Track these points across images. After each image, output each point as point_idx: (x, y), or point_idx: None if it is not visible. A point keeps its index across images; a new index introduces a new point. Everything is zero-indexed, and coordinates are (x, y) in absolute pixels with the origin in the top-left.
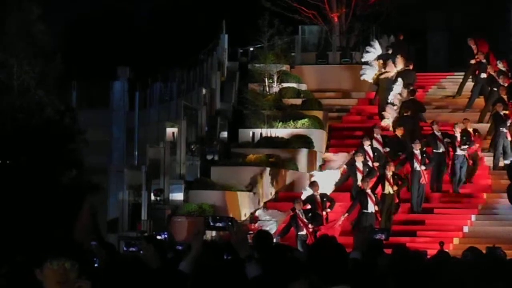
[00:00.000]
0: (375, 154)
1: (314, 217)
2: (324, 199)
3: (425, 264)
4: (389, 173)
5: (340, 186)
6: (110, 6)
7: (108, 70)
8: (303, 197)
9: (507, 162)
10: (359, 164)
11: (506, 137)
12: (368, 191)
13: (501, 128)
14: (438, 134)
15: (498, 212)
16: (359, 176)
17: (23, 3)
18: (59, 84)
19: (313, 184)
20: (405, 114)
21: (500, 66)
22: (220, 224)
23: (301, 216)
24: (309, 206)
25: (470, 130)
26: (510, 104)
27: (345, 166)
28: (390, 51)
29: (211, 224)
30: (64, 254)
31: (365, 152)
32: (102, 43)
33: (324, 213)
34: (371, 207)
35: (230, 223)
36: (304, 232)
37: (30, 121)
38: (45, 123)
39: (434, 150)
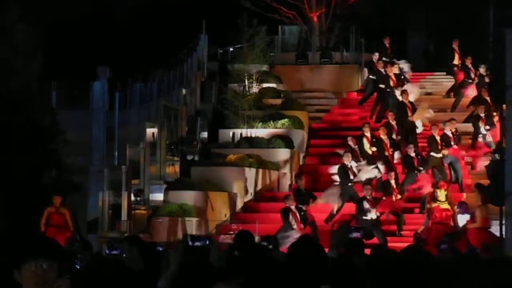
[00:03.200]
0: (362, 154)
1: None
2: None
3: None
4: (392, 180)
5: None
6: (91, 6)
7: (88, 70)
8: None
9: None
10: (348, 164)
11: (485, 138)
12: (369, 197)
13: (481, 130)
14: (438, 138)
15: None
16: (350, 177)
17: (3, 2)
18: (39, 84)
19: (300, 177)
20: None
21: (482, 70)
22: (198, 243)
23: (294, 211)
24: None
25: (449, 133)
26: (493, 105)
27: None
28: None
29: (190, 244)
30: (42, 255)
31: (353, 151)
32: (82, 43)
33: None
34: (371, 214)
35: (207, 242)
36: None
37: (10, 121)
38: (25, 123)
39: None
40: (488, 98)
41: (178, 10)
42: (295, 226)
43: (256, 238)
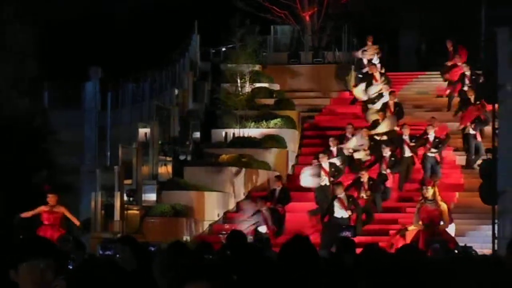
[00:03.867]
0: (338, 155)
1: (278, 221)
2: (283, 195)
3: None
4: (364, 179)
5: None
6: (83, 6)
7: (80, 70)
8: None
9: (479, 161)
10: (324, 164)
11: (475, 138)
12: (341, 195)
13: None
14: (406, 138)
15: (470, 211)
16: (324, 176)
17: None
18: (32, 84)
19: (277, 179)
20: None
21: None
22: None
23: (265, 213)
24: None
25: (436, 129)
26: (480, 105)
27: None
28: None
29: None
30: (40, 254)
31: (330, 153)
32: (74, 43)
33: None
34: (342, 213)
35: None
36: (264, 228)
37: (2, 121)
38: (17, 123)
39: (402, 154)
40: (471, 98)
41: (170, 10)
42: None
43: (248, 238)
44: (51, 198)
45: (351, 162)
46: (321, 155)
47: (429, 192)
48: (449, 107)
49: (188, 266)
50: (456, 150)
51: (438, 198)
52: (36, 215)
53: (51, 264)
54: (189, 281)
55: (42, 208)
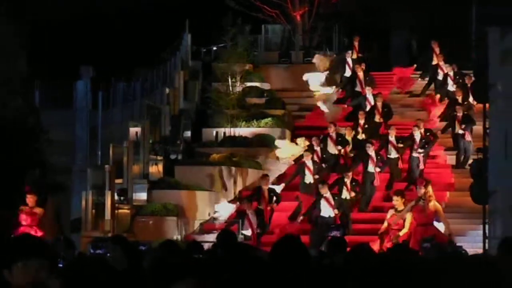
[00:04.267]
0: (324, 155)
1: (262, 223)
2: (272, 194)
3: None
4: (347, 179)
5: (288, 185)
6: (74, 6)
7: (71, 70)
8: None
9: (471, 161)
10: (308, 162)
11: (464, 138)
12: (327, 195)
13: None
14: (392, 139)
15: (461, 211)
16: (308, 175)
17: None
18: (22, 83)
19: (264, 178)
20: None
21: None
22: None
23: (250, 216)
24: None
25: (422, 131)
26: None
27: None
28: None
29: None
30: (33, 254)
31: (314, 152)
32: (65, 42)
33: (268, 208)
34: (329, 212)
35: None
36: (249, 232)
37: None
38: (8, 122)
39: (388, 155)
40: (459, 98)
41: (161, 9)
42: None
43: (239, 237)
44: (29, 199)
45: (336, 162)
46: (305, 154)
47: (421, 191)
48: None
49: (175, 265)
50: (447, 149)
51: (432, 198)
52: (15, 216)
53: (44, 264)
54: (176, 280)
55: (21, 208)
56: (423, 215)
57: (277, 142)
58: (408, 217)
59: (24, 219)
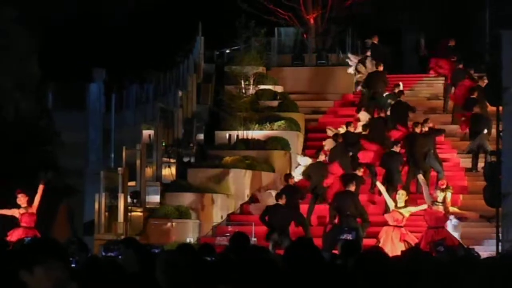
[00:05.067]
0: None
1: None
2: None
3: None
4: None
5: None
6: (87, 8)
7: (84, 72)
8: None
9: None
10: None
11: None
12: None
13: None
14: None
15: (474, 214)
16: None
17: None
18: (35, 86)
19: (289, 176)
20: (381, 115)
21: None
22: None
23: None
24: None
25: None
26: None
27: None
28: (368, 53)
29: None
30: (55, 256)
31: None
32: (78, 44)
33: None
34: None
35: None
36: None
37: (6, 122)
38: (21, 124)
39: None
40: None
41: (174, 12)
42: None
43: (252, 240)
44: (21, 199)
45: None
46: (318, 155)
47: (440, 195)
48: (445, 108)
49: (217, 268)
50: (460, 152)
51: (448, 202)
52: (10, 217)
53: (65, 267)
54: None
55: (17, 211)
56: (434, 217)
57: (300, 159)
58: (407, 214)
59: (25, 221)
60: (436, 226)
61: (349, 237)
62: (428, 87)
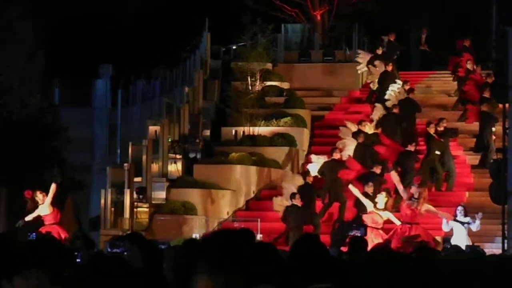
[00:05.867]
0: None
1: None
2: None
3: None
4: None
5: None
6: (93, 4)
7: (91, 68)
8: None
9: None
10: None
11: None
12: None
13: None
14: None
15: (480, 211)
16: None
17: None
18: (42, 81)
19: (307, 174)
20: (393, 111)
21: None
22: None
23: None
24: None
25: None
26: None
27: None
28: (379, 52)
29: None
30: (33, 266)
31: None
32: (84, 40)
33: None
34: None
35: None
36: None
37: (12, 118)
38: (27, 120)
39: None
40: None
41: (181, 8)
42: None
43: (258, 236)
44: (39, 196)
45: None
46: (334, 152)
47: (415, 190)
48: (456, 105)
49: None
50: (466, 150)
51: (426, 200)
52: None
53: (44, 275)
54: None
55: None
56: (410, 213)
57: (314, 158)
58: (384, 217)
59: (48, 219)
60: (410, 222)
61: (358, 233)
62: (435, 84)
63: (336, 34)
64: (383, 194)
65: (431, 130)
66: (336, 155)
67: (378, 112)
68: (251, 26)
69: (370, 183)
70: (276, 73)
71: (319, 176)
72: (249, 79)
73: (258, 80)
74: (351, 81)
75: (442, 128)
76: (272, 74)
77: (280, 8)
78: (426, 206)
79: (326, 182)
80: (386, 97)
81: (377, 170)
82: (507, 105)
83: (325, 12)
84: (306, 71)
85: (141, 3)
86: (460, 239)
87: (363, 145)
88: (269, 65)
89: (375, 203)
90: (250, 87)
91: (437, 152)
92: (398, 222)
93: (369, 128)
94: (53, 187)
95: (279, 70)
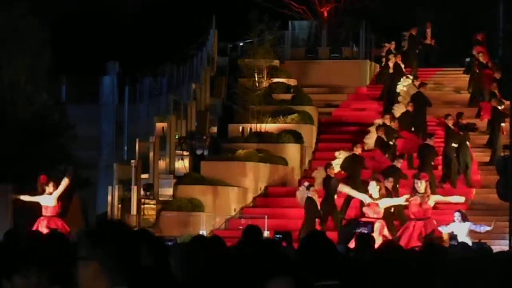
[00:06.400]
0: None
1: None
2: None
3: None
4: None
5: None
6: (100, 0)
7: (98, 65)
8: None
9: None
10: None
11: (503, 132)
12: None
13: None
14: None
15: (487, 208)
16: None
17: None
18: (49, 78)
19: (329, 167)
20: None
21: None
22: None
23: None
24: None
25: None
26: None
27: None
28: (405, 48)
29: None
30: (33, 265)
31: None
32: (91, 37)
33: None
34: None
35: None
36: None
37: (20, 115)
38: (35, 117)
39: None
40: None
41: (188, 5)
42: None
43: (265, 233)
44: (50, 186)
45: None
46: (356, 146)
47: (421, 186)
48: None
49: (269, 263)
50: (474, 146)
51: (428, 192)
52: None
53: (44, 274)
54: (272, 278)
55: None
56: (421, 209)
57: (337, 154)
58: (383, 205)
59: (50, 211)
60: (424, 217)
61: (365, 230)
62: (445, 81)
63: (343, 31)
64: (374, 183)
65: (450, 122)
66: (357, 150)
67: (399, 110)
68: (258, 23)
69: (390, 178)
70: (283, 70)
71: (342, 172)
72: (256, 76)
73: (265, 77)
74: (358, 78)
75: (464, 122)
76: (279, 71)
77: (287, 5)
78: (434, 198)
79: (347, 177)
80: (398, 90)
81: (398, 164)
82: None
83: (332, 9)
84: (313, 68)
85: (149, 0)
86: (461, 239)
87: (383, 139)
88: (276, 62)
89: (369, 195)
90: (257, 84)
91: (454, 145)
92: (400, 201)
93: (390, 122)
94: (66, 181)
95: (286, 67)
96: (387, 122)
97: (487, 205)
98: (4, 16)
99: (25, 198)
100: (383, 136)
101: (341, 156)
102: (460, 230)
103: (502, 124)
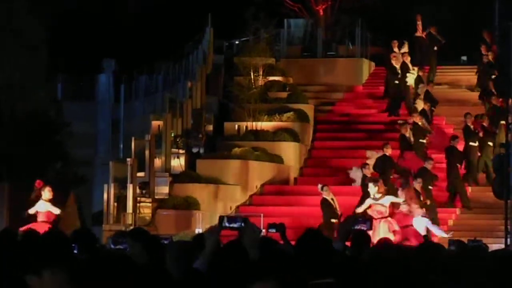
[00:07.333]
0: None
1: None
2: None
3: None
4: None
5: None
6: None
7: (94, 63)
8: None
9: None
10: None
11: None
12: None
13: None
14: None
15: (483, 206)
16: None
17: None
18: (45, 76)
19: (365, 166)
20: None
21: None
22: (235, 225)
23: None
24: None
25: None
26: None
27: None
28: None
29: (226, 225)
30: (63, 262)
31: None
32: (87, 35)
33: None
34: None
35: (243, 224)
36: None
37: (16, 113)
38: (30, 115)
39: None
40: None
41: (184, 3)
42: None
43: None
44: (47, 193)
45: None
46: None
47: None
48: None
49: (251, 268)
50: None
51: (412, 201)
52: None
53: (68, 268)
54: (254, 284)
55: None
56: (403, 217)
57: (369, 153)
58: (387, 203)
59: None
60: (406, 225)
61: (364, 227)
62: (447, 79)
63: (339, 29)
64: (371, 184)
65: (469, 121)
66: (387, 151)
67: (420, 105)
68: (254, 21)
69: (419, 179)
70: (279, 68)
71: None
72: (252, 74)
73: (261, 75)
74: (354, 76)
75: (485, 123)
76: (275, 69)
77: (282, 3)
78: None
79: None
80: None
81: (429, 165)
82: (510, 100)
83: (328, 7)
84: (309, 66)
85: None
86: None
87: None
88: (272, 60)
89: (372, 197)
90: (253, 82)
91: (472, 143)
92: (400, 200)
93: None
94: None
95: (282, 65)
96: (417, 120)
97: (483, 203)
98: (0, 13)
99: (31, 211)
100: (409, 135)
101: (371, 156)
102: (419, 224)
103: (502, 122)
